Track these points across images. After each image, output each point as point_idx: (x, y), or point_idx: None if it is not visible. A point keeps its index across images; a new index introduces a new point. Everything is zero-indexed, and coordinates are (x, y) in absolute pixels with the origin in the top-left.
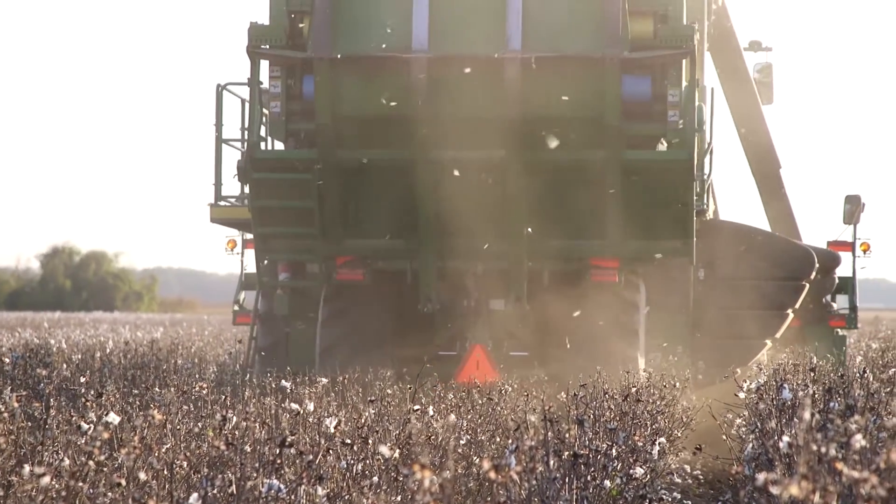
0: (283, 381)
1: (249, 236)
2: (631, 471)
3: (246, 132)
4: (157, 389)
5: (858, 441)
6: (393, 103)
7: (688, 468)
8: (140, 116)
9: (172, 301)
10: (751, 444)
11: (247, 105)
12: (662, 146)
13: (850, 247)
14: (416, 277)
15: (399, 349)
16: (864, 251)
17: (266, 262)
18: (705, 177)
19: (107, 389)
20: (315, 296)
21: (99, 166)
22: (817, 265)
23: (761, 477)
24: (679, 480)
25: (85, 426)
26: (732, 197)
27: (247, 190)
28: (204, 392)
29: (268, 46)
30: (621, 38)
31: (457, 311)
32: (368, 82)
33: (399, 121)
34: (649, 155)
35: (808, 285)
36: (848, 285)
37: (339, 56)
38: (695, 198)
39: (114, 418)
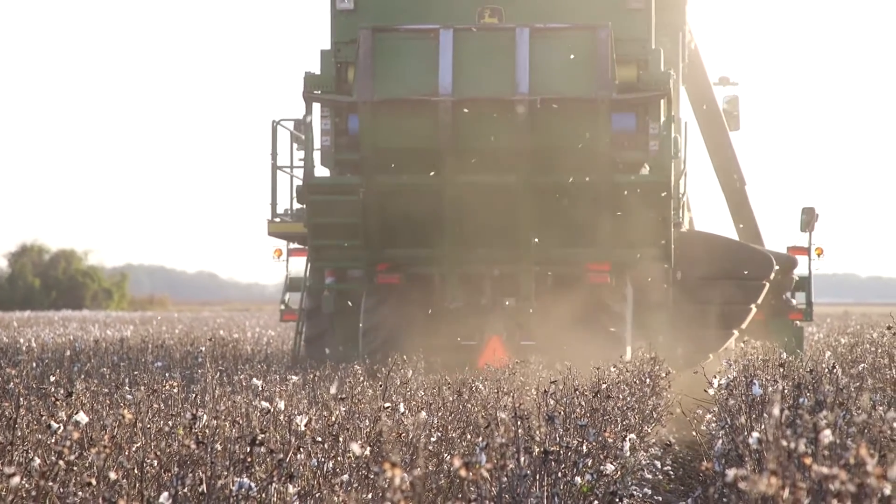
0: (253, 380)
1: (294, 246)
2: (601, 467)
3: (300, 160)
4: (126, 388)
5: (827, 437)
6: (423, 137)
7: (658, 464)
8: (108, 112)
9: (143, 299)
10: (720, 440)
11: (286, 134)
12: (645, 170)
13: (807, 251)
14: (442, 280)
15: (428, 339)
16: (819, 255)
17: (310, 267)
18: (681, 195)
19: (76, 388)
20: (357, 296)
21: (67, 163)
22: (777, 267)
23: (731, 473)
24: (650, 476)
25: (55, 425)
26: (705, 210)
27: (296, 206)
28: (174, 391)
29: (319, 92)
30: (610, 82)
31: (476, 307)
32: (403, 120)
33: (429, 151)
34: (634, 178)
35: (768, 284)
36: (805, 284)
37: (379, 99)
38: (672, 212)
39: (83, 417)
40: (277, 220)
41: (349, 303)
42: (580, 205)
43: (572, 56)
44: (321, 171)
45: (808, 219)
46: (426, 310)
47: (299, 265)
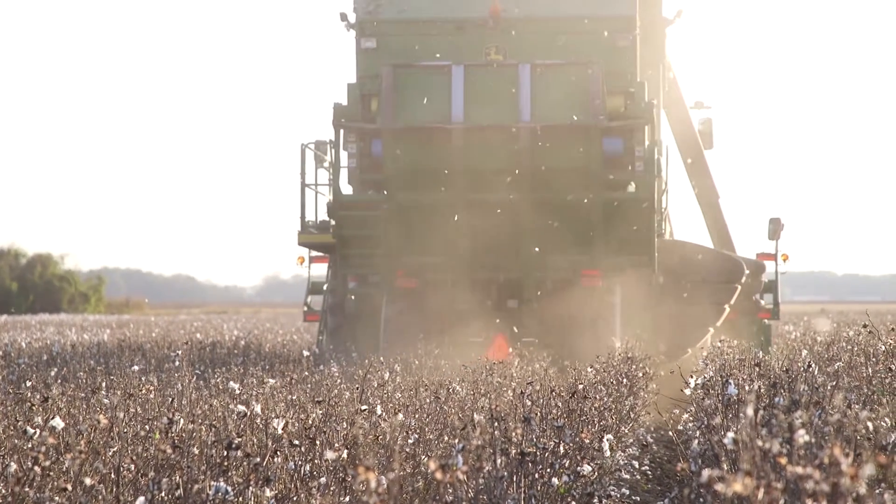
0: (231, 383)
1: (315, 253)
2: (579, 468)
3: (330, 180)
4: (103, 392)
5: (802, 436)
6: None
7: (636, 464)
8: (84, 116)
9: (119, 302)
10: (697, 441)
11: (310, 154)
12: (631, 188)
13: (774, 257)
14: (454, 284)
15: (442, 336)
16: (784, 260)
17: (332, 273)
18: (663, 209)
19: (52, 393)
20: (377, 299)
21: (43, 167)
22: (747, 271)
23: (706, 473)
24: (627, 476)
25: (31, 431)
26: (684, 221)
27: (320, 219)
28: (151, 395)
29: (345, 120)
30: (601, 111)
31: (483, 308)
32: (421, 145)
33: (443, 172)
34: (622, 195)
35: (739, 287)
36: (772, 286)
37: (399, 127)
38: (655, 224)
39: (59, 423)
40: (305, 232)
41: (369, 304)
42: (575, 218)
43: (572, 79)
44: (347, 190)
45: (775, 228)
46: (439, 310)
47: (321, 271)
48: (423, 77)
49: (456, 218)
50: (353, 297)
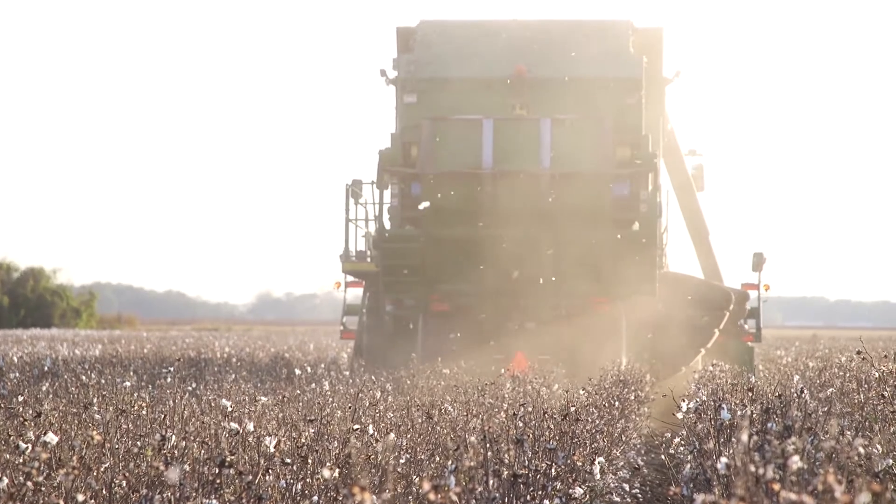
0: (223, 400)
1: (350, 278)
2: (570, 490)
3: (375, 216)
4: (95, 408)
5: (795, 462)
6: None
7: (627, 487)
8: (77, 129)
9: (111, 318)
10: (689, 465)
11: (350, 190)
12: (636, 227)
13: (757, 287)
14: (481, 308)
15: (469, 352)
16: (766, 290)
17: (369, 296)
18: (663, 245)
19: (45, 408)
20: (412, 321)
21: (36, 180)
22: (734, 299)
23: (699, 499)
24: (618, 500)
25: (23, 446)
26: (678, 255)
27: (359, 248)
28: (143, 411)
29: (388, 165)
30: (611, 160)
31: (505, 329)
32: (455, 187)
33: (473, 211)
34: (628, 232)
35: (728, 313)
36: (756, 313)
37: (436, 172)
38: (657, 258)
39: (52, 438)
40: (345, 259)
41: (404, 325)
42: (587, 252)
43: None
44: (388, 225)
45: (758, 261)
46: (468, 331)
47: (357, 294)
48: (457, 128)
49: (484, 251)
50: (388, 319)
